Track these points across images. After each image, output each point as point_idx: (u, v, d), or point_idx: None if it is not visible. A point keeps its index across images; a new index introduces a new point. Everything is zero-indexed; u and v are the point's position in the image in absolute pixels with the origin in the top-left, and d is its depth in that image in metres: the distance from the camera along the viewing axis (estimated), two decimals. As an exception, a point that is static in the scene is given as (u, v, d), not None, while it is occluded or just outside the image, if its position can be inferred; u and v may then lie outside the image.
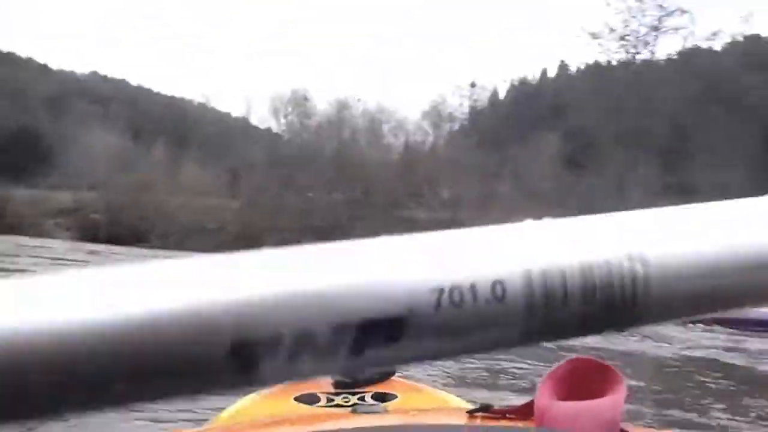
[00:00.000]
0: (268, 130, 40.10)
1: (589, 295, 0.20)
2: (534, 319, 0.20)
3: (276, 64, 65.49)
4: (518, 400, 0.77)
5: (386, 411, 1.02)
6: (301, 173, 25.00)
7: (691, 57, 40.32)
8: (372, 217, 23.04)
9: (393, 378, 1.22)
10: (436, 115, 38.41)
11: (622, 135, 29.82)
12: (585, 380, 0.72)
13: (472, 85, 35.95)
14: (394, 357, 0.18)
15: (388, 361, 0.19)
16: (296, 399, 1.12)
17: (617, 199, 23.24)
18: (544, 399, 0.70)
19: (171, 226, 22.63)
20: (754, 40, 42.10)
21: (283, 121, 40.59)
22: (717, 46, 42.00)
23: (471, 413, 0.81)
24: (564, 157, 29.40)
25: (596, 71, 37.29)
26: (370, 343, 0.18)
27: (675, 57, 40.88)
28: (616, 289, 0.20)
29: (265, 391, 1.22)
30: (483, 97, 38.30)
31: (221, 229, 22.50)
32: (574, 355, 0.78)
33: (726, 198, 0.20)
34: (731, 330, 6.67)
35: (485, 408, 0.81)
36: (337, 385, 1.16)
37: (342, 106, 36.04)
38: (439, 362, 4.29)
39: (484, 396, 3.23)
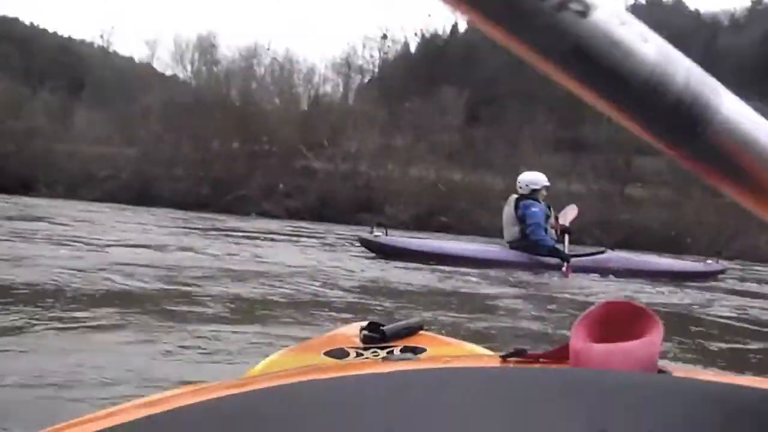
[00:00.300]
0: (173, 76, 38.84)
1: None
2: None
3: (182, 8, 62.98)
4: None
5: (419, 359, 1.02)
6: (202, 122, 24.47)
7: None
8: (271, 167, 22.97)
9: (421, 332, 1.21)
10: (345, 67, 38.27)
11: (522, 90, 30.65)
12: (620, 323, 0.72)
13: (384, 37, 35.84)
14: None
15: None
16: (325, 354, 1.11)
17: (512, 153, 24.07)
18: (579, 341, 0.70)
19: (59, 174, 21.83)
20: (655, 2, 43.86)
21: (188, 67, 39.38)
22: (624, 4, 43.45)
23: (504, 358, 0.81)
24: (467, 110, 29.97)
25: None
26: None
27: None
28: None
29: (291, 349, 1.24)
30: (394, 50, 38.30)
31: (112, 178, 21.91)
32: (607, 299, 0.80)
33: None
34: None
35: (519, 353, 0.80)
36: (365, 340, 1.16)
37: (250, 54, 35.32)
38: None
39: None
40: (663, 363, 0.66)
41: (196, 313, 3.72)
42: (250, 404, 0.50)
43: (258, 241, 9.34)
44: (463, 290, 5.19)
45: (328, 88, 36.50)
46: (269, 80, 34.10)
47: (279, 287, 4.71)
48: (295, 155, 24.68)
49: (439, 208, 19.66)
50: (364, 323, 1.19)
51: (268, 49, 33.38)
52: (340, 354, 1.10)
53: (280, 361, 1.14)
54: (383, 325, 1.17)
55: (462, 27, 39.40)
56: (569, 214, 7.89)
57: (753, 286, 7.97)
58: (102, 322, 3.34)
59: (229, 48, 67.69)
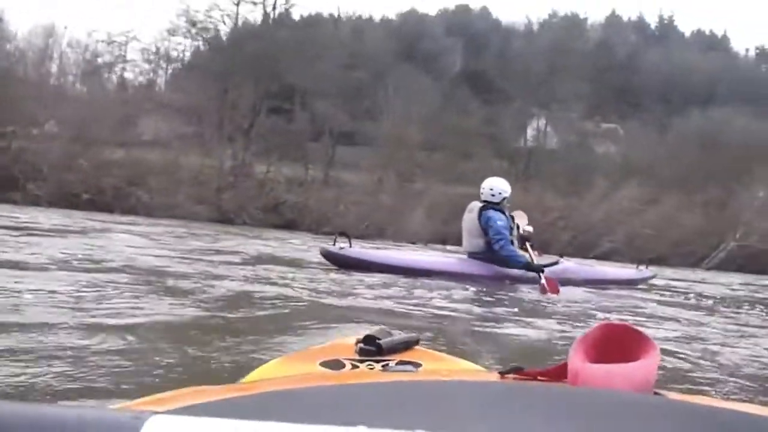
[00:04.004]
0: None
1: None
2: None
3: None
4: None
5: (417, 372, 1.02)
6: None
7: (405, 18, 43.77)
8: (74, 155, 22.01)
9: (417, 347, 1.20)
10: (156, 53, 37.30)
11: (325, 84, 31.60)
12: (617, 345, 0.71)
13: (193, 24, 35.28)
14: None
15: None
16: (321, 364, 1.09)
17: (308, 144, 24.83)
18: (577, 361, 0.70)
19: None
20: (462, 8, 46.74)
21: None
22: (432, 11, 46.17)
23: (502, 374, 0.80)
24: (270, 101, 30.34)
25: (313, 21, 38.89)
26: None
27: (392, 18, 44.09)
28: None
29: (287, 357, 1.22)
30: (206, 38, 37.83)
31: None
32: (605, 320, 0.77)
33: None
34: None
35: (517, 369, 0.80)
36: (361, 352, 1.14)
37: (47, 33, 33.46)
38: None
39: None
40: (657, 389, 0.68)
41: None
42: (251, 408, 0.52)
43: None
44: (436, 305, 4.85)
45: (138, 74, 35.41)
46: (71, 63, 32.59)
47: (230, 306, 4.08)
48: (100, 142, 23.82)
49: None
50: (360, 335, 1.18)
51: (66, 27, 31.73)
52: (336, 365, 1.09)
53: (275, 369, 1.12)
54: (380, 339, 1.16)
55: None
56: (521, 220, 7.49)
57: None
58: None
59: (21, 26, 62.57)
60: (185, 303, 3.88)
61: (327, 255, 7.00)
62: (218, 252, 7.82)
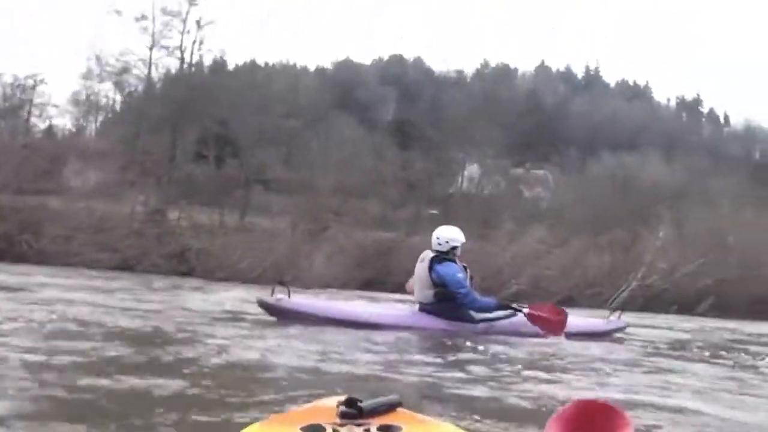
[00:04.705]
0: None
1: None
2: None
3: None
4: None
5: None
6: None
7: (340, 67, 44.56)
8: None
9: (399, 410, 1.18)
10: (86, 100, 36.85)
11: (260, 132, 31.73)
12: (591, 422, 0.71)
13: (120, 73, 35.08)
14: None
15: None
16: (302, 429, 1.08)
17: (236, 191, 24.65)
18: None
19: None
20: (396, 59, 47.83)
21: None
22: (367, 61, 47.17)
23: None
24: (201, 148, 30.23)
25: (252, 68, 39.24)
26: None
27: (327, 67, 44.87)
28: None
29: (269, 421, 1.18)
30: (137, 85, 37.64)
31: None
32: (580, 398, 0.75)
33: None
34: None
35: None
36: (343, 415, 1.13)
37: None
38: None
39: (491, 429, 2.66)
40: None
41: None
42: None
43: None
44: (392, 362, 4.55)
45: (67, 121, 34.88)
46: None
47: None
48: (20, 190, 23.16)
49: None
50: (342, 397, 1.17)
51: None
52: (316, 430, 1.08)
53: None
54: (361, 401, 1.15)
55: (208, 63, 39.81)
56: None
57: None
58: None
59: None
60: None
61: (264, 306, 6.51)
62: (115, 300, 7.37)
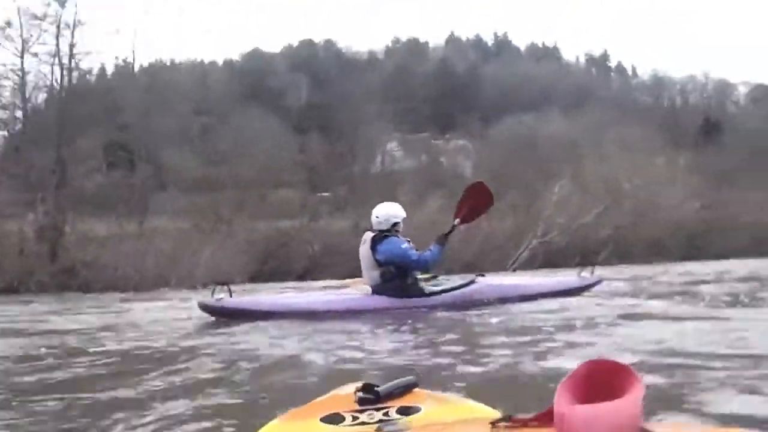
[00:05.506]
0: None
1: None
2: None
3: None
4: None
5: (408, 427, 1.03)
6: None
7: (249, 58, 43.82)
8: None
9: (416, 390, 1.20)
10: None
11: (166, 132, 30.98)
12: (602, 382, 0.73)
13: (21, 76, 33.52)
14: None
15: None
16: (322, 420, 1.10)
17: (136, 199, 23.97)
18: (563, 404, 0.72)
19: None
20: (306, 43, 47.31)
21: None
22: (278, 49, 46.57)
23: (493, 423, 0.85)
24: (112, 156, 29.38)
25: (155, 70, 38.17)
26: None
27: (236, 60, 44.05)
28: None
29: (288, 415, 1.18)
30: (39, 96, 36.16)
31: None
32: (589, 359, 0.78)
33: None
34: None
35: (506, 418, 0.85)
36: (360, 401, 1.14)
37: None
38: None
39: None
40: (644, 423, 0.66)
41: None
42: None
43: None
44: (364, 345, 4.30)
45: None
46: None
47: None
48: None
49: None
50: (359, 384, 1.18)
51: None
52: (336, 419, 1.10)
53: (278, 430, 1.13)
54: (377, 386, 1.16)
55: (110, 70, 38.63)
56: None
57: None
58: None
59: None
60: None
61: (206, 308, 6.27)
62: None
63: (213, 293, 6.23)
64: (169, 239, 15.12)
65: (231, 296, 6.24)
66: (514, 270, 10.25)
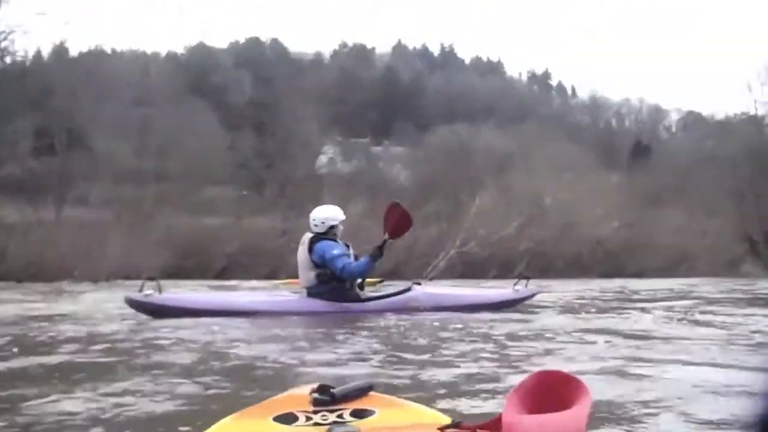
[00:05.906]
0: None
1: None
2: None
3: None
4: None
5: (359, 430, 1.03)
6: None
7: (193, 52, 43.15)
8: None
9: (371, 393, 1.20)
10: None
11: (104, 121, 30.19)
12: (551, 392, 0.73)
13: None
14: None
15: None
16: (274, 419, 1.10)
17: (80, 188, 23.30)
18: (511, 413, 0.72)
19: None
20: (253, 41, 46.87)
21: None
22: (224, 44, 46.05)
23: (442, 430, 0.88)
24: (44, 142, 28.48)
25: (95, 57, 37.22)
26: None
27: (181, 53, 43.34)
28: None
29: (241, 413, 1.16)
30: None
31: None
32: (539, 370, 0.77)
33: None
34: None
35: (455, 424, 0.87)
36: (315, 402, 1.14)
37: None
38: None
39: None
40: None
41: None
42: None
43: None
44: (302, 348, 4.15)
45: None
46: None
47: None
48: None
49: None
50: (315, 385, 1.18)
51: None
52: (289, 419, 1.10)
53: (230, 428, 1.12)
54: (333, 387, 1.17)
55: (45, 54, 37.54)
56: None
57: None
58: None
59: None
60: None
61: (134, 304, 6.10)
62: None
63: (141, 288, 6.04)
64: (84, 230, 14.76)
65: (160, 293, 6.11)
66: (431, 279, 10.40)
